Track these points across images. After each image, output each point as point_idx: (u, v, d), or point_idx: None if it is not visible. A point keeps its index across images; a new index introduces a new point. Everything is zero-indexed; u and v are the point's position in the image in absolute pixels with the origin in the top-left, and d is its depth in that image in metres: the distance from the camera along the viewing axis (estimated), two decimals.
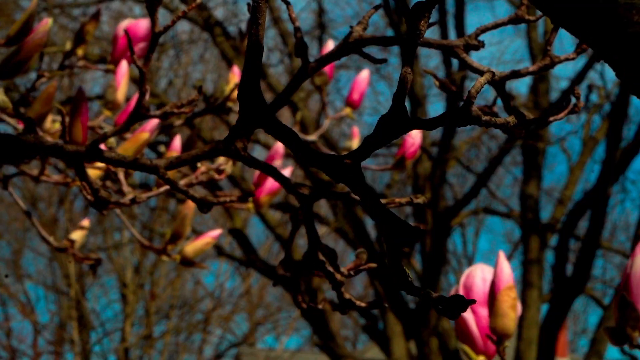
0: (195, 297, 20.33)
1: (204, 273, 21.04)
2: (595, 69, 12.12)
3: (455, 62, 11.07)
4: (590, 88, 11.87)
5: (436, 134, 12.23)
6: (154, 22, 1.28)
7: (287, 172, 2.21)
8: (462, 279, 1.52)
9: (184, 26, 14.17)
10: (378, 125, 0.87)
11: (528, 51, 11.84)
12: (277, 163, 2.21)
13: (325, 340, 10.97)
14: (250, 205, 2.21)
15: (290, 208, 11.84)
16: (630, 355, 13.04)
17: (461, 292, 1.51)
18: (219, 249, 12.36)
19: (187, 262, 2.17)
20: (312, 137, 2.54)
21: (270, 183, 2.21)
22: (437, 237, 10.93)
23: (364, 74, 2.61)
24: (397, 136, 0.87)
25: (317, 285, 9.50)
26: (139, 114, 1.28)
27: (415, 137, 2.49)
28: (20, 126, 1.98)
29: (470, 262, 19.44)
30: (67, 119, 1.72)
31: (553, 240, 11.72)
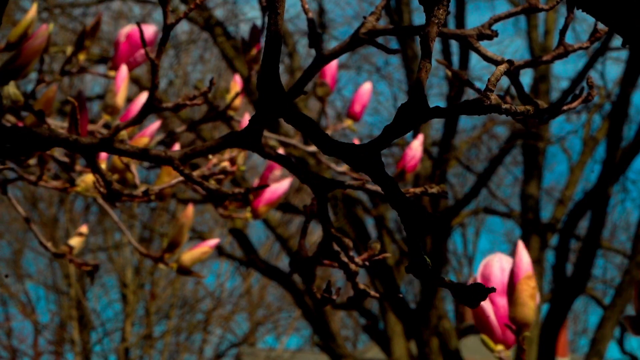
0: (196, 297, 20.33)
1: (204, 273, 21.02)
2: (596, 69, 12.13)
3: (455, 60, 11.07)
4: (587, 87, 11.84)
5: (436, 133, 12.23)
6: (165, 14, 1.28)
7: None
8: (480, 268, 1.52)
9: (184, 26, 14.18)
10: (398, 114, 0.88)
11: (529, 51, 11.85)
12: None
13: (326, 340, 10.97)
14: (248, 214, 2.20)
15: (290, 208, 11.85)
16: (631, 355, 13.00)
17: (479, 282, 1.51)
18: (219, 249, 12.36)
19: (184, 271, 2.17)
20: (313, 148, 2.51)
21: (269, 193, 2.20)
22: (437, 237, 10.93)
23: (366, 87, 2.59)
24: (417, 125, 0.87)
25: (318, 285, 9.46)
26: (152, 106, 1.28)
27: (415, 149, 2.48)
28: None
29: (471, 262, 19.45)
30: (66, 123, 1.72)
31: (553, 240, 11.72)
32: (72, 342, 18.97)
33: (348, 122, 2.54)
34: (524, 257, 1.47)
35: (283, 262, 17.59)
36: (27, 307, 19.96)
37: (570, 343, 21.79)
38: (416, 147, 2.47)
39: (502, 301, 1.48)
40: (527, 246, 11.06)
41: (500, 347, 1.48)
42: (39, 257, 20.73)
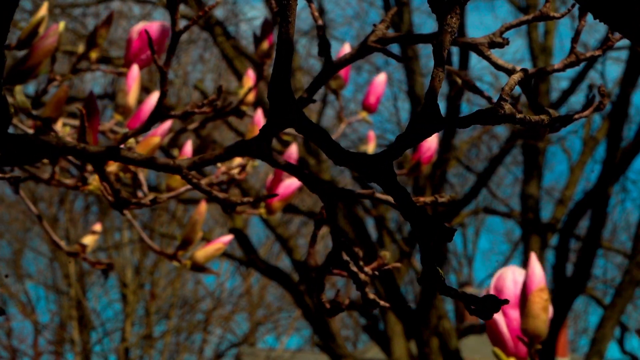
0: (196, 297, 20.33)
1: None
2: (596, 69, 12.13)
3: (455, 62, 11.07)
4: (590, 88, 11.86)
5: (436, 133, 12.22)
6: (174, 21, 1.27)
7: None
8: (493, 281, 1.51)
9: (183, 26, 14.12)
10: (411, 123, 0.87)
11: (529, 51, 11.84)
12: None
13: (326, 340, 10.96)
14: (262, 210, 2.19)
15: (290, 208, 11.84)
16: (631, 355, 12.97)
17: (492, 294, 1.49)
18: None
19: (197, 268, 2.16)
20: None
21: (283, 188, 2.19)
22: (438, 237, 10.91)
23: (381, 78, 2.56)
24: (430, 134, 0.87)
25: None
26: (160, 114, 1.27)
27: (431, 141, 2.45)
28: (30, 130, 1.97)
29: (471, 262, 19.46)
30: (77, 122, 1.71)
31: (553, 240, 11.72)
32: (72, 342, 18.96)
33: (363, 114, 2.52)
34: (537, 269, 1.47)
35: (283, 262, 17.60)
36: (27, 307, 19.97)
37: (570, 343, 21.79)
38: (431, 139, 2.43)
39: (515, 314, 1.48)
40: (527, 246, 11.08)
41: None
42: (39, 257, 20.75)
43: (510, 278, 1.49)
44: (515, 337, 1.46)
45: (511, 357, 1.47)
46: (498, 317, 1.47)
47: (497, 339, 1.48)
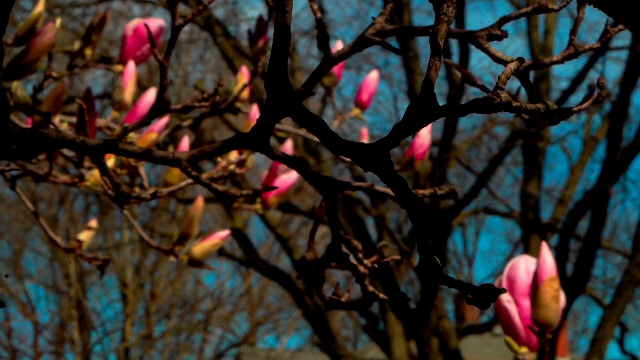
0: (196, 296, 20.32)
1: (205, 273, 21.04)
2: (596, 69, 12.13)
3: (455, 60, 11.06)
4: (590, 87, 11.84)
5: (436, 133, 12.23)
6: (174, 16, 1.28)
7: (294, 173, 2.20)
8: (506, 270, 1.51)
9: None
10: (407, 113, 0.87)
11: (528, 51, 11.84)
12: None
13: (326, 340, 10.96)
14: (258, 206, 2.20)
15: (290, 208, 11.84)
16: (631, 355, 12.95)
17: (504, 284, 1.50)
18: (219, 249, 12.34)
19: (194, 263, 2.17)
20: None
21: (279, 184, 2.19)
22: (438, 237, 10.93)
23: (373, 75, 2.57)
24: (426, 123, 0.87)
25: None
26: (160, 108, 1.28)
27: (424, 137, 2.45)
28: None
29: (471, 262, 19.46)
30: (75, 119, 1.71)
31: (553, 240, 11.72)
32: (72, 342, 18.96)
33: (355, 111, 2.52)
34: (548, 259, 1.46)
35: (283, 262, 17.60)
36: (27, 307, 19.97)
37: (570, 343, 21.79)
38: (424, 135, 2.43)
39: (527, 303, 1.47)
40: (527, 246, 11.08)
41: (524, 350, 1.47)
42: (39, 257, 20.75)
43: (523, 267, 1.48)
44: (526, 326, 1.45)
45: (523, 347, 1.47)
46: (510, 306, 1.47)
47: (509, 328, 1.47)
